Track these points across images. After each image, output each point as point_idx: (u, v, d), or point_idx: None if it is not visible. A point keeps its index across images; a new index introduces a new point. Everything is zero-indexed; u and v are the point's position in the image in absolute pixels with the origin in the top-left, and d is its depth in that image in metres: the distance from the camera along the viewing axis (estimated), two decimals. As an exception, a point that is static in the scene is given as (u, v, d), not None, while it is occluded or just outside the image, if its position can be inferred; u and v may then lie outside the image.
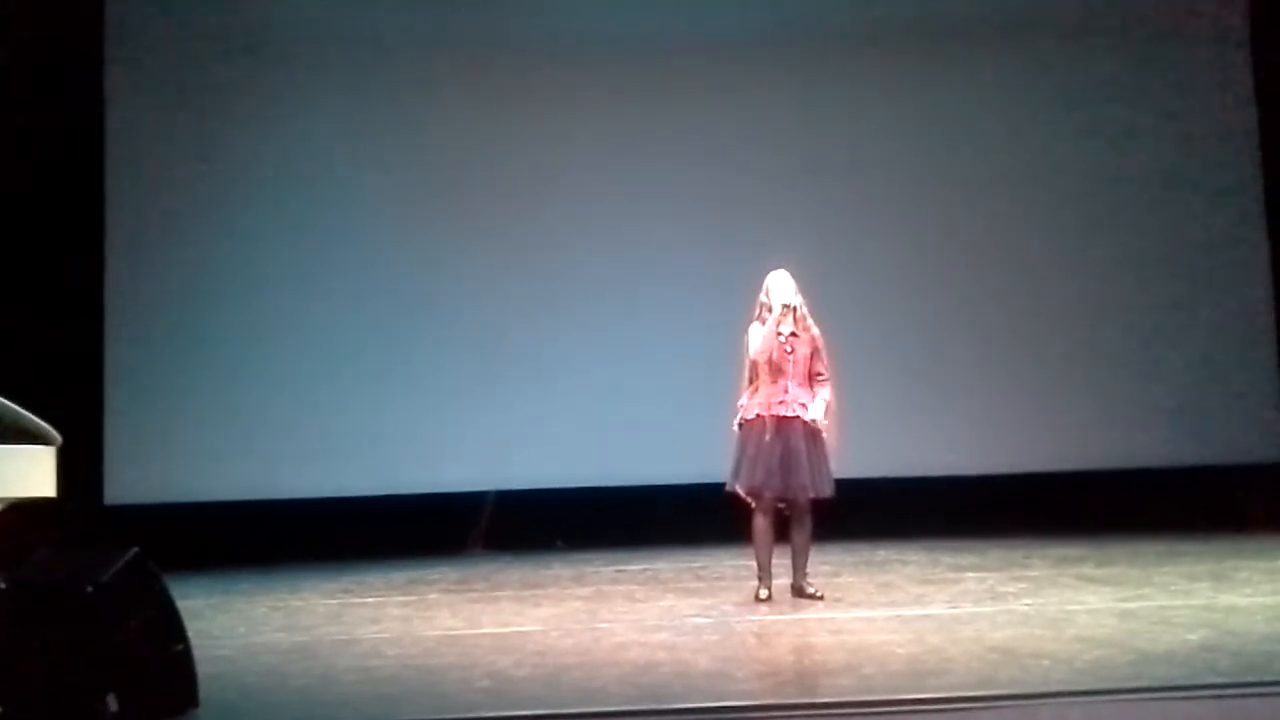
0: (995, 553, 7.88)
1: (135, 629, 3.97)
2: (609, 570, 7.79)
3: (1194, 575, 6.60)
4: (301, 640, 5.62)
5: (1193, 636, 4.86)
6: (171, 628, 4.10)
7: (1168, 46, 9.72)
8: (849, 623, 5.55)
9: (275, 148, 9.46)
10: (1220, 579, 6.44)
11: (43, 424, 4.36)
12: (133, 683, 3.87)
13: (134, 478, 8.93)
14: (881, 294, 9.36)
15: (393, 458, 9.13)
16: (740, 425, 6.17)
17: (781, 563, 6.24)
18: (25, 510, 4.37)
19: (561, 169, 9.48)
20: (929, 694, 4.01)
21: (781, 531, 6.22)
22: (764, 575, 6.20)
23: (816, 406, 6.10)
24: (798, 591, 6.21)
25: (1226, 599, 5.80)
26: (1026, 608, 5.79)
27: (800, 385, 6.12)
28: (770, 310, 6.14)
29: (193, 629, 4.22)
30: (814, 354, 6.19)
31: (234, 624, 6.11)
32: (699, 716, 3.92)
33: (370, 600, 6.86)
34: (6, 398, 4.35)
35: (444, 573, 7.94)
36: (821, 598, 6.13)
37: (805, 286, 6.26)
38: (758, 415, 6.08)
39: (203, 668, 4.20)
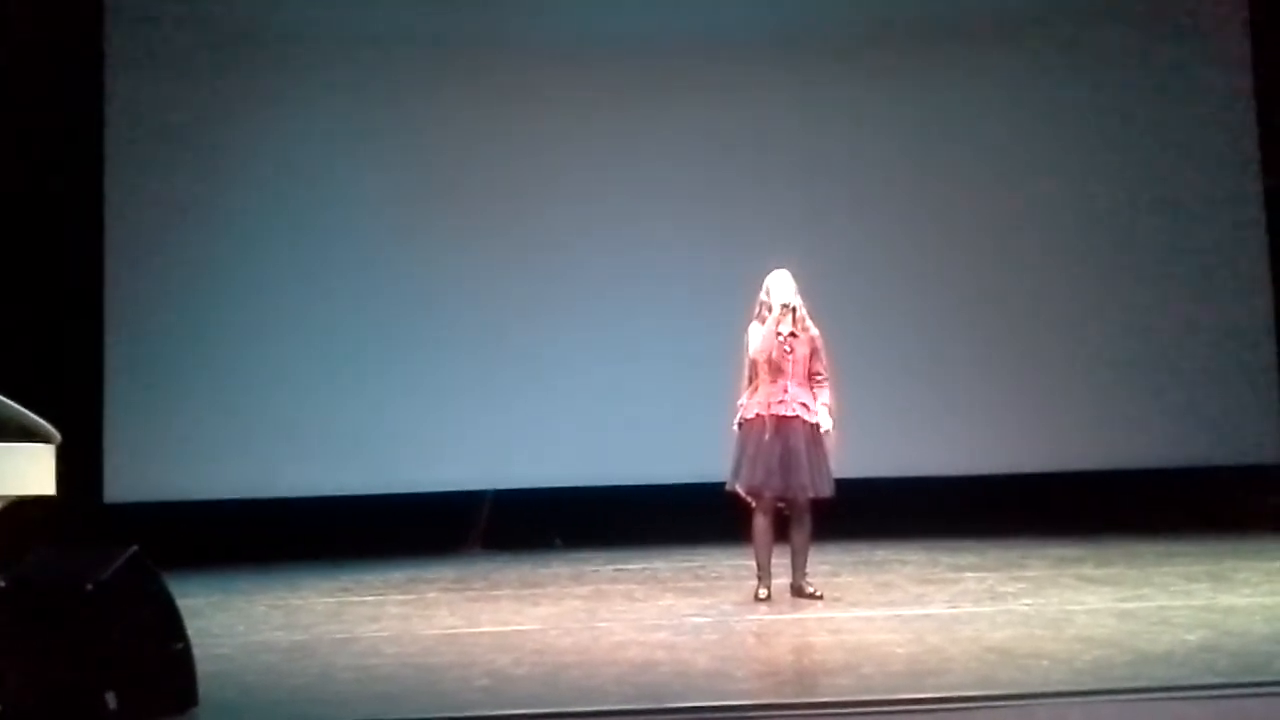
0: (994, 553, 7.88)
1: (134, 627, 3.97)
2: (608, 569, 7.79)
3: (1193, 575, 6.60)
4: (301, 639, 5.62)
5: (1191, 637, 4.87)
6: (171, 626, 4.10)
7: (1167, 47, 9.73)
8: (848, 622, 5.55)
9: (275, 147, 9.46)
10: (1219, 579, 6.44)
11: (42, 422, 4.36)
12: (132, 681, 3.87)
13: (133, 476, 8.93)
14: (881, 294, 9.36)
15: (392, 457, 9.13)
16: (740, 425, 6.18)
17: (781, 562, 6.25)
18: (25, 508, 4.37)
19: (561, 169, 9.48)
20: (928, 694, 4.01)
21: (781, 531, 6.22)
22: (763, 575, 6.20)
23: (824, 416, 6.11)
24: (797, 591, 6.21)
25: (1225, 599, 5.80)
26: (1026, 608, 5.79)
27: (800, 385, 6.12)
28: (770, 309, 6.14)
29: (192, 627, 4.22)
30: (813, 354, 6.19)
31: (233, 622, 6.11)
32: (698, 715, 3.92)
33: (369, 599, 6.86)
34: (6, 396, 4.35)
35: (443, 571, 7.94)
36: (821, 597, 6.13)
37: (805, 286, 6.26)
38: (757, 415, 6.08)
39: (202, 666, 4.20)
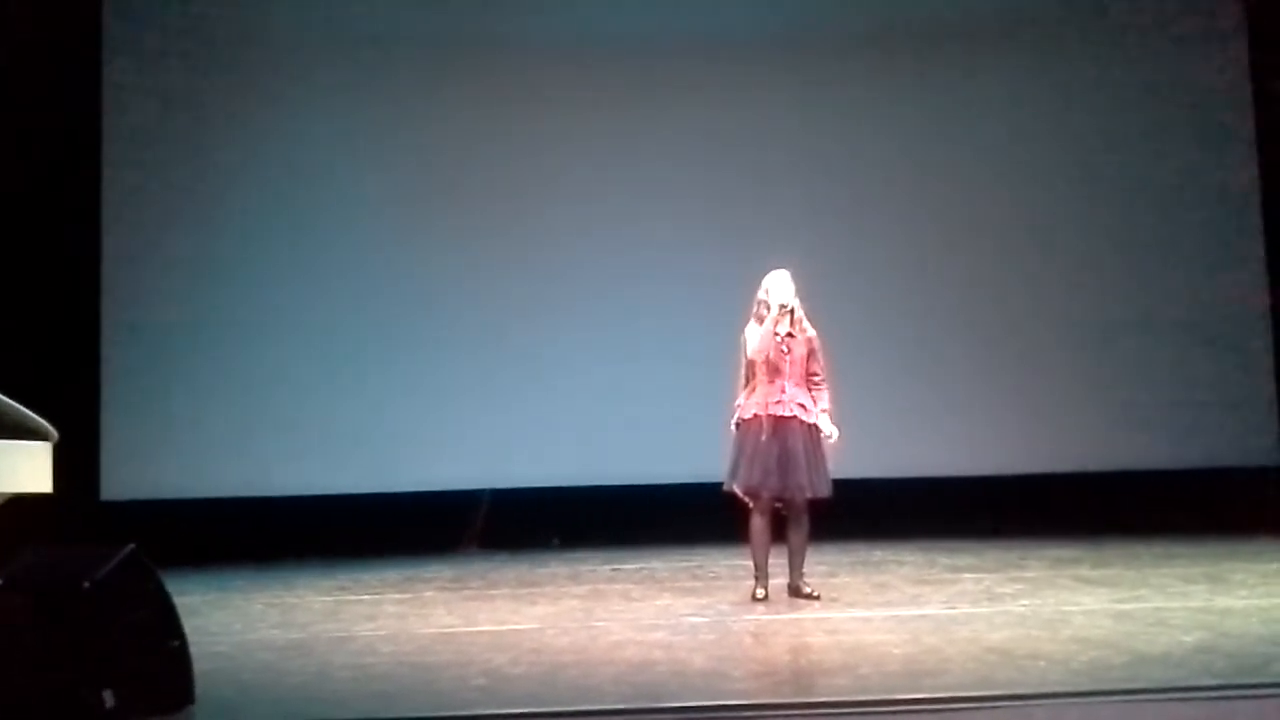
0: (992, 554, 7.88)
1: (131, 625, 3.96)
2: (605, 569, 7.79)
3: (1190, 577, 6.61)
4: (297, 637, 5.62)
5: (1188, 638, 4.87)
6: (168, 624, 4.10)
7: (1166, 47, 9.73)
8: (845, 623, 5.55)
9: (274, 146, 9.46)
10: (1216, 581, 6.45)
11: (39, 419, 4.35)
12: (129, 679, 3.87)
13: (130, 474, 8.93)
14: (880, 294, 9.36)
15: (389, 456, 9.13)
16: (737, 425, 6.18)
17: (778, 562, 6.25)
18: (22, 506, 4.36)
19: (561, 169, 9.48)
20: (925, 694, 4.01)
21: (778, 531, 6.22)
22: (761, 575, 6.20)
23: (825, 422, 6.11)
24: (794, 591, 6.21)
25: (1222, 601, 5.81)
26: (1023, 609, 5.79)
27: (797, 385, 6.12)
28: (768, 309, 6.14)
29: (189, 625, 4.22)
30: (810, 355, 6.19)
31: (230, 620, 6.11)
32: (695, 715, 3.92)
33: (366, 598, 6.86)
34: (3, 393, 4.34)
35: (440, 570, 7.94)
36: (818, 597, 6.13)
37: (804, 286, 6.25)
38: (755, 415, 6.08)
39: (199, 664, 4.20)
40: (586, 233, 9.43)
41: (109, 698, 3.80)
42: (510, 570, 7.94)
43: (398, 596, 6.87)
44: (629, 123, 9.52)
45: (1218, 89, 9.70)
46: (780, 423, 6.05)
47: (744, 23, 9.64)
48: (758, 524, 6.16)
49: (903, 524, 8.59)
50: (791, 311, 6.14)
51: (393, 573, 7.83)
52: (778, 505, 6.16)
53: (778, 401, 6.07)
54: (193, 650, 4.17)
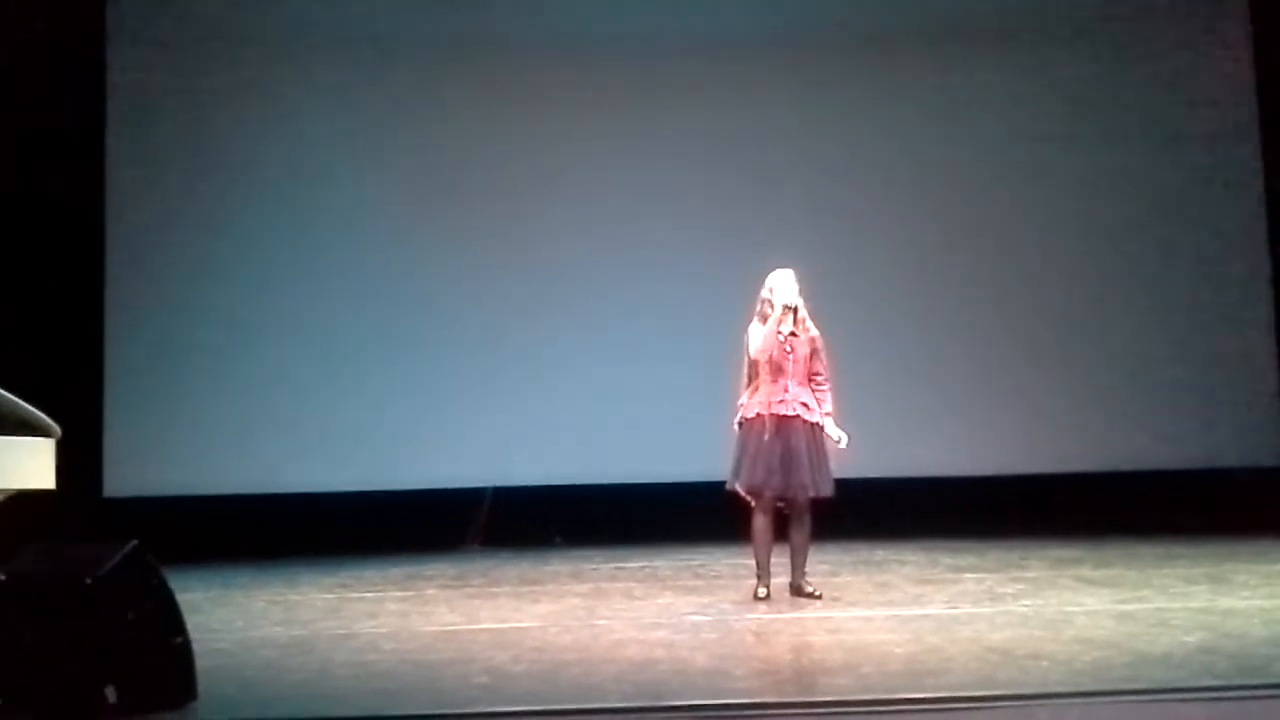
0: (993, 553, 7.88)
1: (134, 622, 3.97)
2: (607, 567, 7.79)
3: (1192, 578, 6.60)
4: (299, 634, 5.62)
5: (1190, 639, 4.87)
6: (170, 621, 4.10)
7: (1168, 46, 9.73)
8: (847, 622, 5.55)
9: (275, 146, 9.46)
10: (1218, 581, 6.44)
11: (42, 416, 4.36)
12: (131, 675, 3.88)
13: (133, 471, 8.94)
14: (881, 294, 9.36)
15: (392, 453, 9.14)
16: (740, 424, 6.17)
17: (780, 561, 6.25)
18: (24, 502, 4.37)
19: (561, 169, 9.48)
20: (927, 694, 4.01)
21: (780, 530, 6.22)
22: (763, 574, 6.20)
23: (831, 426, 6.11)
24: (796, 590, 6.21)
25: (1224, 602, 5.80)
26: (1025, 609, 5.79)
27: (800, 384, 6.12)
28: (772, 308, 6.14)
29: (191, 622, 4.23)
30: (813, 354, 6.19)
31: (232, 618, 6.11)
32: (697, 714, 3.92)
33: (368, 595, 6.86)
34: (6, 389, 4.35)
35: (442, 568, 7.95)
36: (820, 597, 6.13)
37: (805, 286, 6.25)
38: (758, 414, 6.08)
39: (201, 661, 4.20)
40: (587, 233, 9.43)
41: (111, 694, 3.80)
42: (512, 568, 7.94)
43: (400, 594, 6.87)
44: (629, 123, 9.53)
45: (1221, 88, 9.70)
46: (783, 422, 6.05)
47: (744, 23, 9.64)
48: (760, 523, 6.16)
49: (905, 524, 8.59)
50: (795, 311, 6.14)
51: (395, 570, 7.83)
52: (780, 504, 6.16)
53: (781, 401, 6.07)
54: (195, 647, 4.17)
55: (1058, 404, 9.35)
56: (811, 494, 6.10)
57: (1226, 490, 9.18)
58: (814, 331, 6.22)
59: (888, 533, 8.50)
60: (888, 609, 5.90)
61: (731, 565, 7.28)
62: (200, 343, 9.15)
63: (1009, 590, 6.38)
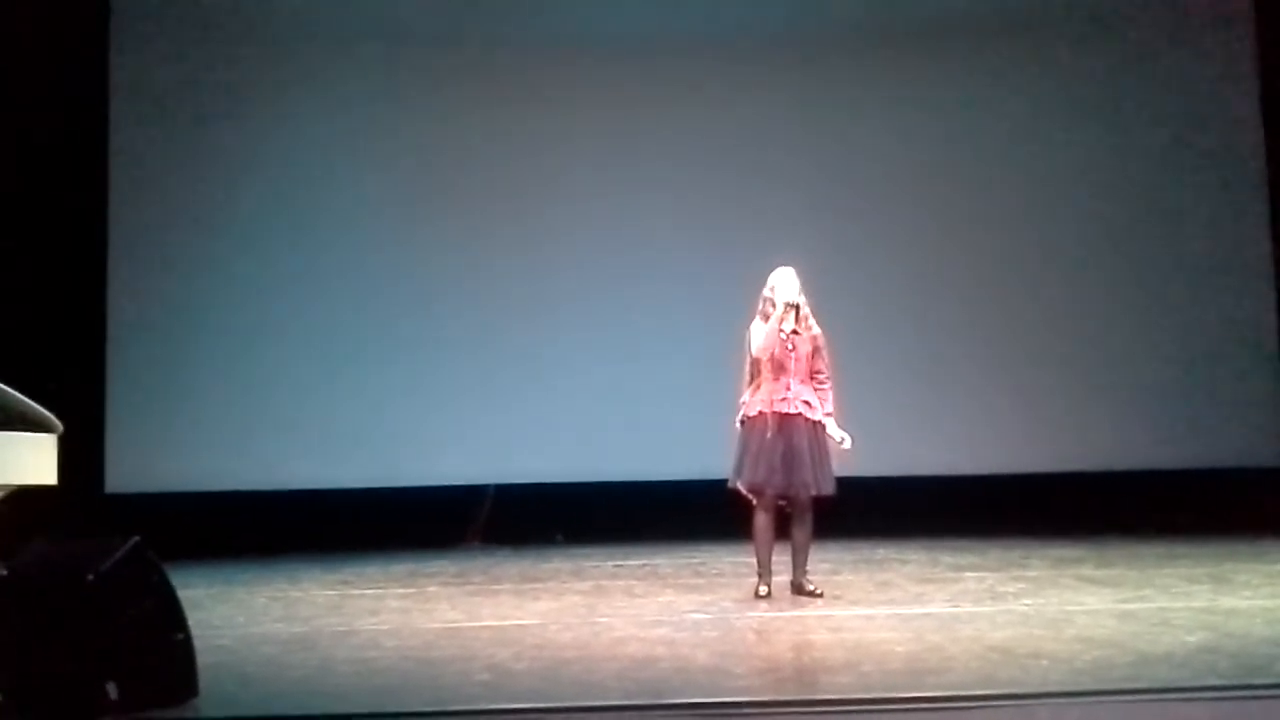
0: (994, 553, 7.88)
1: (135, 618, 3.96)
2: (608, 565, 7.80)
3: (1193, 577, 6.60)
4: (301, 631, 5.62)
5: (1192, 638, 4.86)
6: (172, 617, 4.10)
7: (1170, 45, 9.73)
8: (848, 620, 5.55)
9: (276, 146, 9.48)
10: (1220, 581, 6.44)
11: (44, 412, 4.36)
12: (133, 671, 3.88)
13: (135, 467, 8.96)
14: (882, 294, 9.37)
15: (393, 451, 9.15)
16: (742, 422, 6.17)
17: (781, 560, 6.24)
18: (26, 498, 4.37)
19: (561, 168, 9.49)
20: (928, 692, 4.01)
21: (782, 528, 6.22)
22: (764, 572, 6.20)
23: (833, 426, 6.11)
24: (797, 589, 6.21)
25: (1226, 601, 5.80)
26: (1026, 608, 5.78)
27: (802, 383, 6.12)
28: (774, 306, 6.14)
29: (193, 619, 4.22)
30: (815, 352, 6.18)
31: (234, 614, 6.12)
32: (697, 712, 3.91)
33: (369, 592, 6.86)
34: (9, 385, 4.35)
35: (443, 566, 7.95)
36: (821, 595, 6.13)
37: (806, 286, 6.25)
38: (760, 412, 6.08)
39: (202, 657, 4.20)
40: (587, 232, 9.44)
41: (113, 690, 3.80)
42: (513, 565, 7.95)
43: (401, 591, 6.88)
44: (629, 122, 9.53)
45: (1224, 89, 9.69)
46: (785, 420, 6.04)
47: (744, 23, 9.64)
48: (761, 521, 6.16)
49: (906, 522, 8.59)
50: (797, 309, 6.13)
51: (396, 567, 7.84)
52: (781, 502, 6.16)
53: (783, 399, 6.06)
54: (196, 643, 4.17)
55: (1059, 403, 9.36)
56: (813, 492, 6.09)
57: (1228, 490, 9.17)
58: (816, 330, 6.22)
59: (889, 531, 8.50)
60: (889, 607, 5.90)
61: (733, 563, 7.28)
62: (202, 339, 9.17)
63: (1010, 589, 6.38)
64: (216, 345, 9.19)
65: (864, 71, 9.69)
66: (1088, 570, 7.01)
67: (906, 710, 3.89)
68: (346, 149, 9.48)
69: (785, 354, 6.10)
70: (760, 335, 6.14)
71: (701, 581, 6.96)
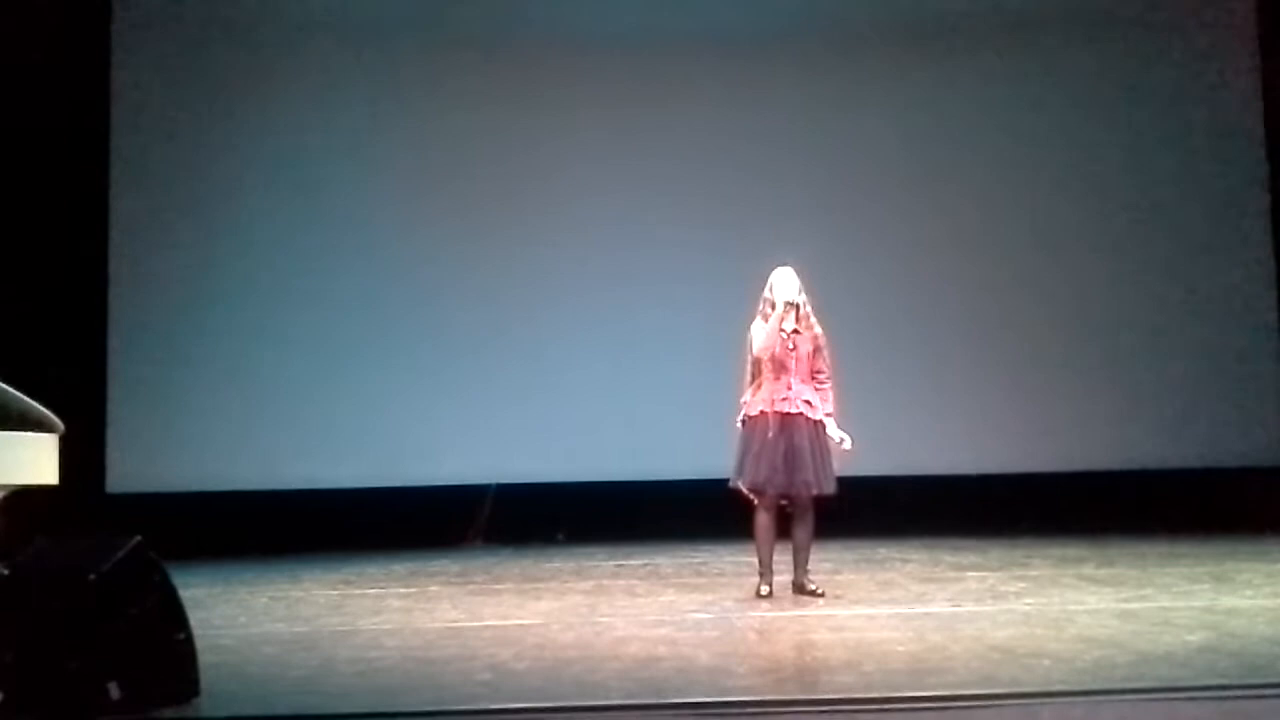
0: (996, 552, 7.88)
1: (137, 617, 3.96)
2: (610, 565, 7.80)
3: (1195, 577, 6.60)
4: (302, 631, 5.62)
5: (1193, 638, 4.86)
6: (173, 617, 4.10)
7: (1172, 46, 9.74)
8: (850, 620, 5.54)
9: (278, 143, 9.49)
10: (1221, 580, 6.44)
11: (46, 412, 4.37)
12: (134, 671, 3.87)
13: (136, 467, 8.97)
14: (883, 293, 9.37)
15: (394, 450, 9.16)
16: (744, 422, 6.17)
17: (783, 559, 6.24)
18: (28, 497, 4.37)
19: (562, 167, 9.50)
20: (929, 692, 4.00)
21: (783, 528, 6.22)
22: (765, 571, 6.20)
23: (834, 427, 6.11)
24: (799, 588, 6.20)
25: (1227, 601, 5.79)
26: (1028, 607, 5.78)
27: (803, 382, 6.12)
28: (774, 306, 6.13)
29: (194, 618, 4.22)
30: (815, 351, 6.18)
31: (235, 614, 6.12)
32: (699, 711, 3.91)
33: (371, 592, 6.87)
34: (10, 385, 4.35)
35: (445, 565, 7.95)
36: (822, 595, 6.12)
37: (806, 285, 6.25)
38: (761, 412, 6.07)
39: (204, 657, 4.19)
40: (587, 231, 9.45)
41: (114, 690, 3.80)
42: (515, 565, 7.95)
43: (402, 591, 6.88)
44: (630, 120, 9.55)
45: (1226, 90, 9.70)
46: (786, 419, 6.04)
47: (744, 22, 9.65)
48: (763, 520, 6.16)
49: (907, 522, 8.59)
50: (797, 308, 6.13)
51: (398, 567, 7.84)
52: (783, 502, 6.15)
53: (784, 398, 6.06)
54: (198, 643, 4.16)
55: (1060, 403, 9.36)
56: (814, 492, 6.09)
57: (1230, 490, 9.18)
58: (817, 329, 6.21)
59: (890, 531, 8.50)
60: (890, 607, 5.90)
61: (734, 563, 7.29)
62: (203, 339, 9.18)
63: (1012, 588, 6.37)
64: (217, 345, 9.19)
65: (864, 71, 9.70)
66: (1089, 569, 7.01)
67: (908, 710, 3.88)
68: (347, 149, 9.49)
69: (786, 353, 6.10)
70: (761, 335, 6.14)
71: (703, 581, 6.96)
